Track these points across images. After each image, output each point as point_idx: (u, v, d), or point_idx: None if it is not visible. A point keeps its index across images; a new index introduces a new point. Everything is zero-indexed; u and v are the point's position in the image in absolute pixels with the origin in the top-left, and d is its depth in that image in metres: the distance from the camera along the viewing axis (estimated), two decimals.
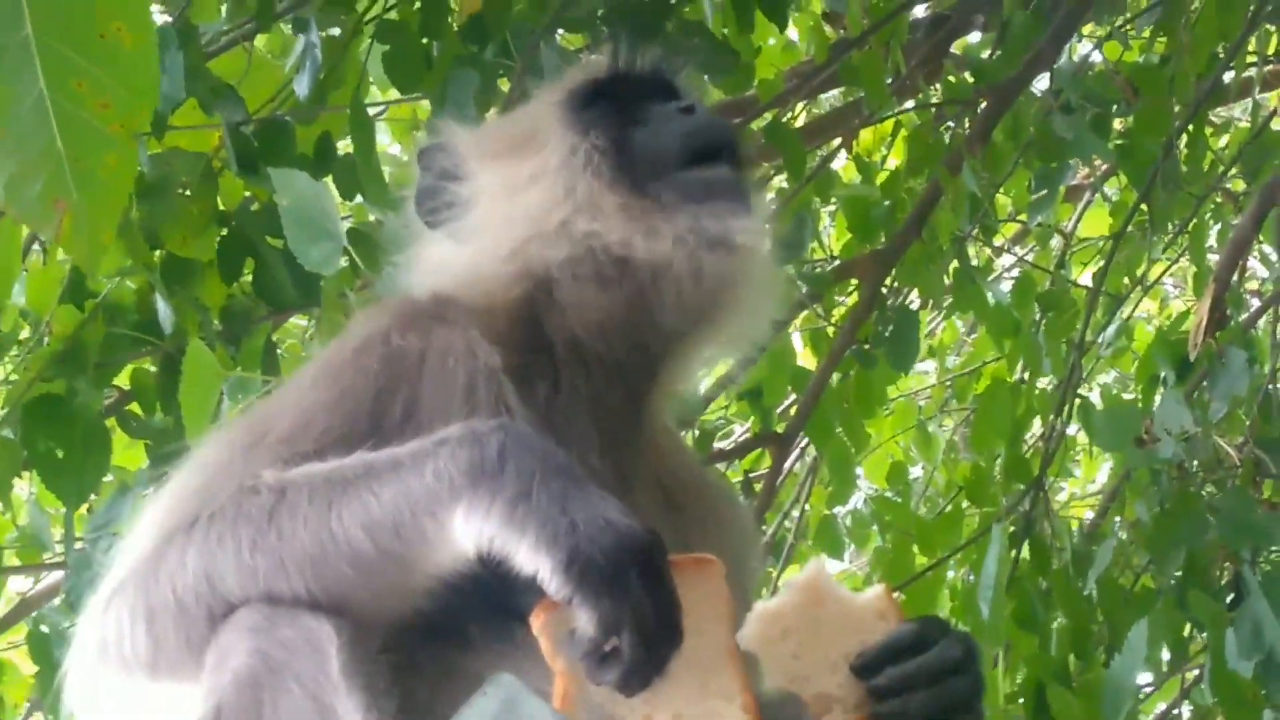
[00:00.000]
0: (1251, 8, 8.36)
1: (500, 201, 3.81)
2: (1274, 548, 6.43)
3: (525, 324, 3.77)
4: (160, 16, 6.50)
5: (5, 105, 3.13)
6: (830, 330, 8.54)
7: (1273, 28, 8.89)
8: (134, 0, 3.08)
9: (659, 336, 3.79)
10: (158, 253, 6.58)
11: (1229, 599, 7.15)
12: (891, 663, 3.23)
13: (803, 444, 9.12)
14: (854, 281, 8.42)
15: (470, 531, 3.12)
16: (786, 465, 9.11)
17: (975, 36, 8.88)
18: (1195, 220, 9.50)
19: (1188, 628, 7.35)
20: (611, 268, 3.70)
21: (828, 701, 3.24)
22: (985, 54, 8.67)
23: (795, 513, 9.93)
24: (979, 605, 6.34)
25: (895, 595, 3.37)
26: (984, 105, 8.35)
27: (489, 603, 3.28)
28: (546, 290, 3.75)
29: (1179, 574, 7.04)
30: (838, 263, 8.69)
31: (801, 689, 3.24)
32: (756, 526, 6.53)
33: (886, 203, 8.42)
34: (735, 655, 3.13)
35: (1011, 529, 7.81)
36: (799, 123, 8.95)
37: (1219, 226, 10.11)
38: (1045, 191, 8.78)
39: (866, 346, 8.13)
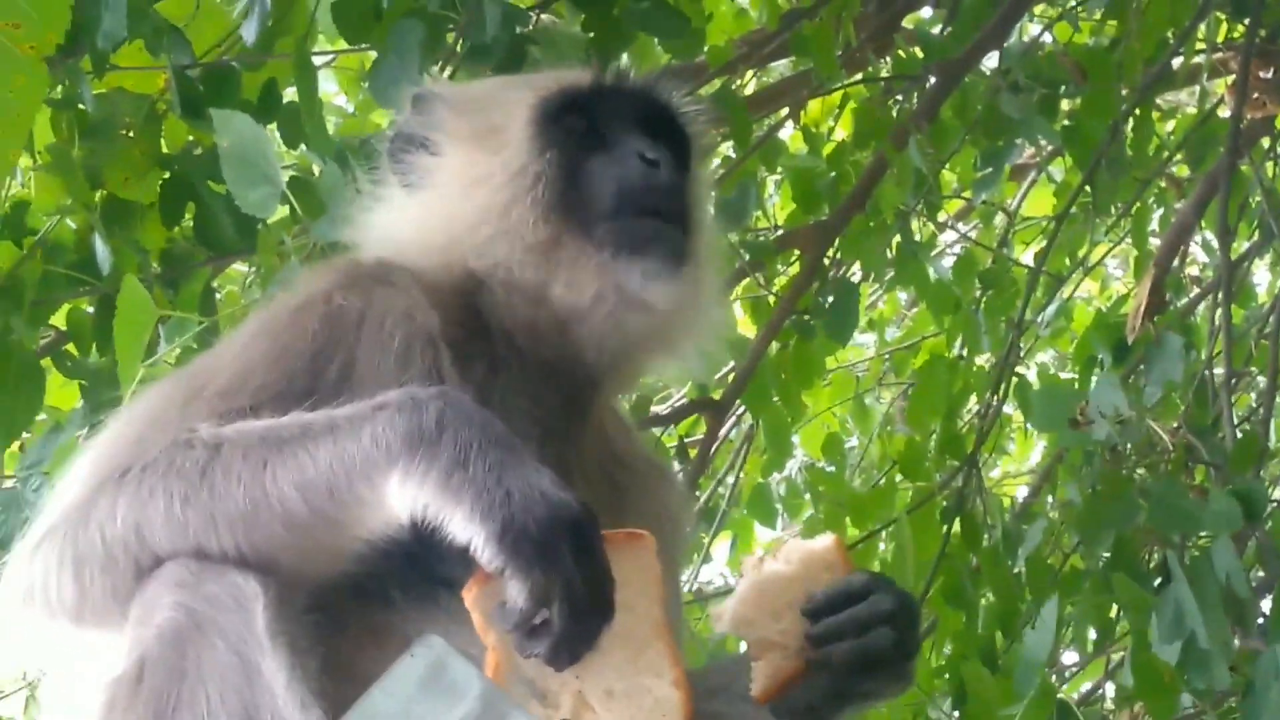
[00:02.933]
0: None
1: (450, 190, 3.82)
2: (1202, 533, 6.43)
3: (465, 303, 3.76)
4: None
5: None
6: (771, 299, 8.51)
7: (1222, 15, 8.88)
8: None
9: (581, 360, 3.78)
10: (98, 193, 6.51)
11: (1156, 583, 7.17)
12: (834, 611, 3.28)
13: (739, 411, 9.11)
14: (796, 252, 8.41)
15: (405, 498, 3.13)
16: (722, 432, 9.12)
17: (927, 12, 8.88)
18: (1138, 204, 9.54)
19: (1114, 609, 7.37)
20: (533, 294, 3.70)
21: (768, 646, 3.30)
22: (936, 30, 8.64)
23: (729, 479, 9.94)
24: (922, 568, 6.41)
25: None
26: (933, 81, 8.36)
27: (416, 567, 3.29)
28: (478, 283, 3.76)
29: (1107, 556, 7.05)
30: (781, 232, 8.69)
31: (745, 634, 3.33)
32: (690, 501, 6.50)
33: (832, 174, 8.45)
34: (666, 631, 3.14)
35: (943, 504, 7.84)
36: (747, 91, 8.92)
37: (1161, 211, 10.18)
38: (990, 169, 8.77)
39: (806, 317, 8.16)
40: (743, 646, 3.55)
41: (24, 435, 6.72)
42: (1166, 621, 5.85)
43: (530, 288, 3.68)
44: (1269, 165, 9.38)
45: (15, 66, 3.22)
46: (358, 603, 3.33)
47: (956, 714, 6.55)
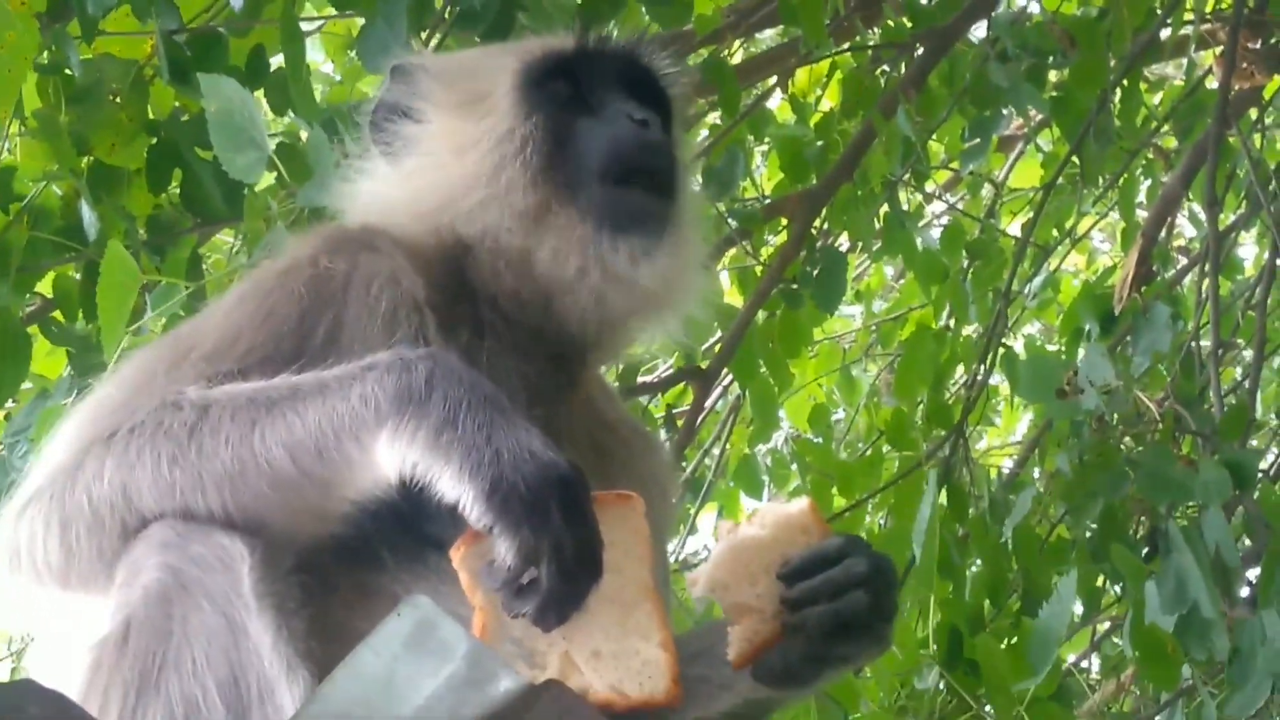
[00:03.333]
0: None
1: (436, 156, 3.82)
2: (1190, 503, 6.43)
3: (451, 269, 3.75)
4: None
5: None
6: (758, 269, 8.51)
7: None
8: None
9: (564, 327, 3.77)
10: (85, 159, 6.51)
11: (1143, 553, 7.18)
12: (809, 576, 3.25)
13: (726, 381, 9.10)
14: (783, 221, 8.41)
15: (394, 456, 3.11)
16: (709, 402, 9.11)
17: None
18: (1126, 175, 9.58)
19: (1101, 579, 7.37)
20: (518, 261, 3.69)
21: (744, 611, 3.27)
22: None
23: (716, 450, 9.93)
24: (911, 548, 6.40)
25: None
26: (921, 50, 8.36)
27: (405, 527, 3.27)
28: (468, 250, 3.75)
29: (1095, 526, 7.06)
30: (768, 201, 8.69)
31: (720, 598, 3.28)
32: (675, 469, 6.51)
33: (819, 143, 8.45)
34: (654, 593, 3.13)
35: (933, 472, 7.84)
36: (735, 59, 8.89)
37: (1149, 183, 10.19)
38: (978, 140, 8.78)
39: (794, 286, 8.13)
40: None
41: (9, 402, 6.72)
42: (1167, 590, 5.86)
43: (516, 255, 3.68)
44: (1256, 136, 9.40)
45: (5, 23, 3.21)
46: (346, 563, 3.32)
47: (941, 685, 6.54)
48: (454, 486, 3.03)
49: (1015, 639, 6.18)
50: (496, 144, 3.73)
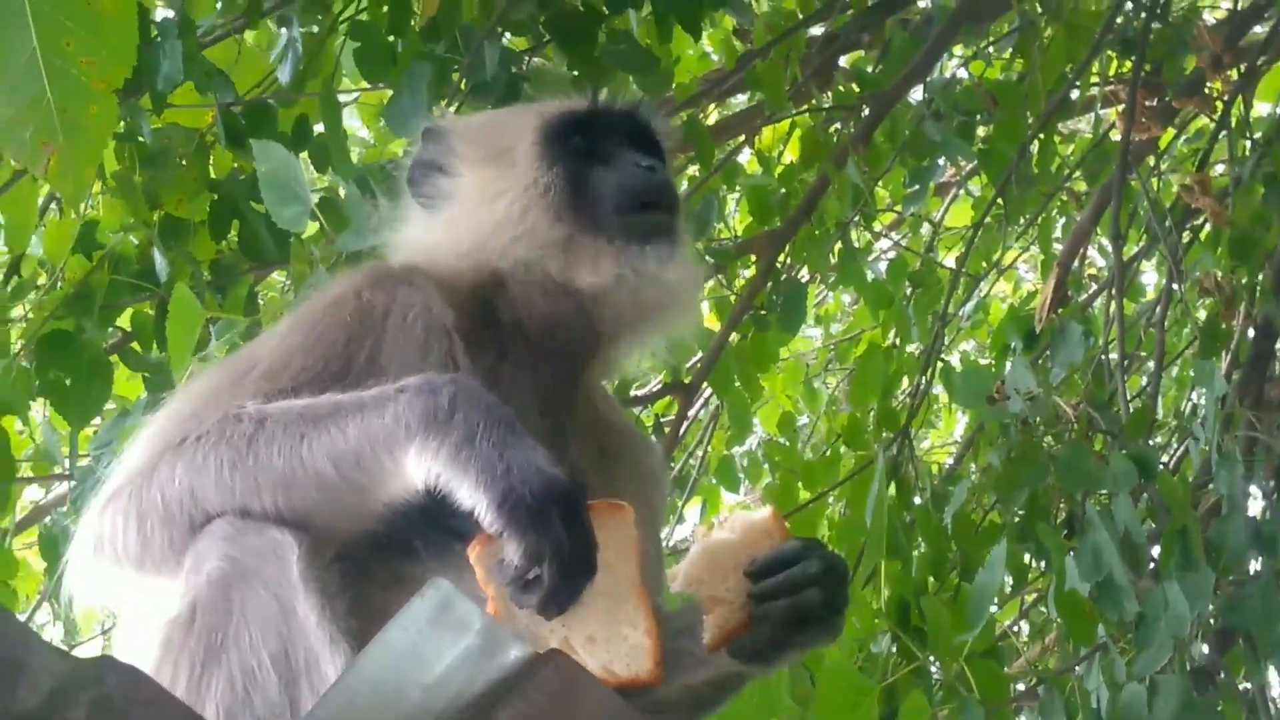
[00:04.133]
0: (1095, 35, 8.36)
1: (471, 204, 3.78)
2: (1102, 491, 6.42)
3: (480, 301, 3.74)
4: (163, 10, 6.44)
5: (2, 60, 3.09)
6: (732, 298, 8.52)
7: (1113, 53, 8.88)
8: None
9: (596, 336, 3.78)
10: (157, 213, 6.56)
11: (1063, 534, 7.19)
12: (771, 574, 3.28)
13: (706, 394, 9.10)
14: (753, 257, 8.42)
15: (420, 468, 3.13)
16: (692, 412, 9.12)
17: (861, 52, 8.85)
18: (1043, 214, 9.60)
19: (1027, 558, 7.36)
20: (554, 286, 3.67)
21: (716, 602, 3.29)
22: (869, 67, 8.63)
23: (699, 452, 9.95)
24: (864, 525, 6.43)
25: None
26: (867, 111, 8.35)
27: (430, 521, 3.27)
28: (500, 285, 3.73)
29: (1021, 511, 7.06)
30: (739, 240, 8.68)
31: (698, 590, 3.30)
32: (666, 466, 6.52)
33: (782, 191, 8.48)
34: (641, 589, 3.15)
35: (883, 470, 7.84)
36: (710, 121, 8.91)
37: (1063, 220, 10.19)
38: (917, 186, 8.81)
39: (762, 312, 8.17)
40: None
41: (95, 420, 6.69)
42: (1086, 562, 5.88)
43: (552, 280, 3.66)
44: (1154, 180, 9.38)
45: (89, 98, 3.20)
46: (380, 553, 3.32)
47: (894, 648, 6.53)
48: (470, 496, 3.05)
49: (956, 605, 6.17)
50: (524, 191, 3.72)
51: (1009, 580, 7.41)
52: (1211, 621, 6.57)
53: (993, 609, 6.72)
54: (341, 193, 6.07)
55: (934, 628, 5.98)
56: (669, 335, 4.01)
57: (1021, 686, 8.04)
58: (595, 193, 3.73)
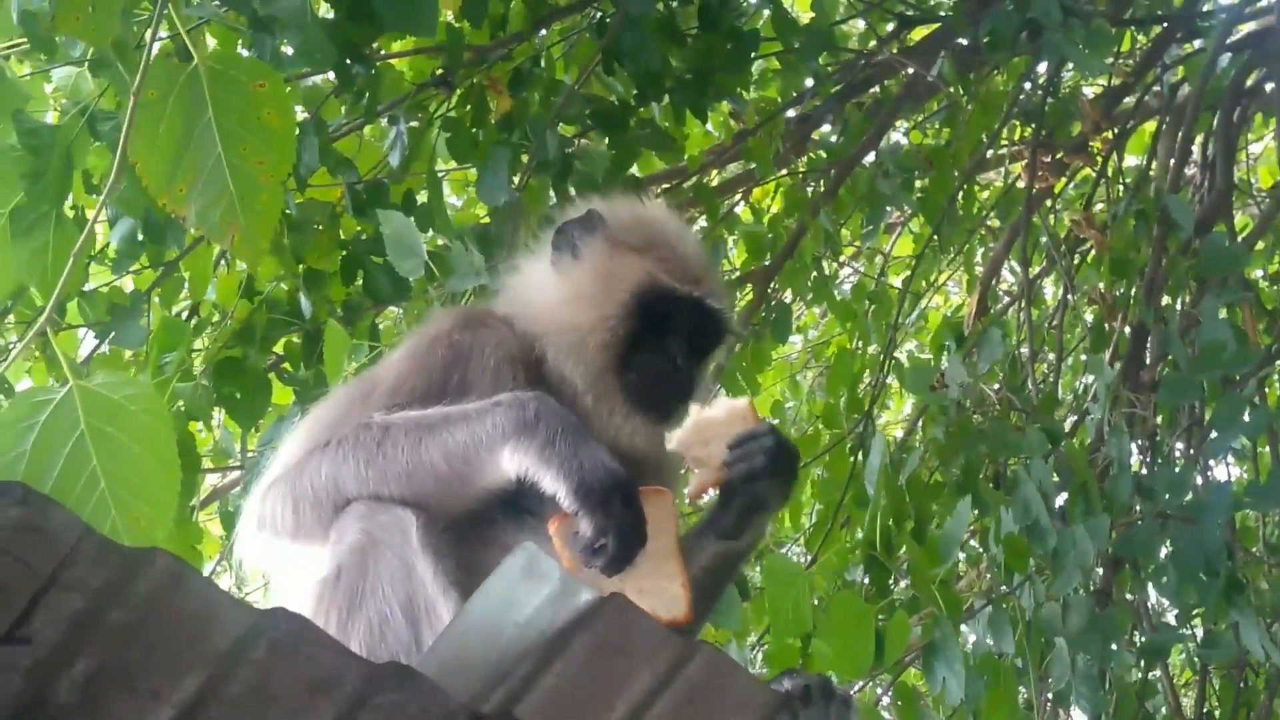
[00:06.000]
0: (1003, 109, 8.35)
1: (570, 295, 3.70)
2: (1021, 455, 6.39)
3: (536, 350, 3.68)
4: (302, 113, 6.45)
5: (196, 163, 3.17)
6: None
7: (1017, 122, 8.86)
8: (279, 95, 3.09)
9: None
10: (301, 266, 6.60)
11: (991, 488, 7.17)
12: (741, 445, 3.40)
13: (715, 389, 9.07)
14: (750, 285, 8.40)
15: (514, 463, 3.18)
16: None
17: (827, 128, 8.83)
18: (968, 245, 9.53)
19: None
20: (570, 387, 3.62)
21: (699, 463, 3.44)
22: (834, 139, 8.61)
23: None
24: (839, 490, 6.40)
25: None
26: (833, 172, 8.32)
27: (509, 501, 3.30)
28: (544, 352, 3.68)
29: (959, 473, 7.04)
30: (738, 273, 8.68)
31: (684, 451, 3.46)
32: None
33: (770, 235, 8.47)
34: (677, 552, 3.19)
35: (850, 444, 7.82)
36: (714, 183, 8.89)
37: (983, 250, 10.12)
38: (871, 227, 8.80)
39: (757, 327, 8.16)
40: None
41: (259, 423, 6.73)
42: (1018, 511, 5.87)
43: (569, 380, 3.63)
44: (1051, 217, 9.35)
45: (261, 189, 3.26)
46: (475, 525, 3.32)
47: (867, 579, 6.51)
48: (552, 484, 3.12)
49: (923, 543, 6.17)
50: (601, 320, 3.63)
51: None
52: (1108, 552, 6.52)
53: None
54: (444, 246, 6.09)
55: (912, 563, 6.01)
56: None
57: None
58: (641, 357, 3.63)
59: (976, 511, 6.69)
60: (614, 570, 3.06)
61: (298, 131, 5.81)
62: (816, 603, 6.10)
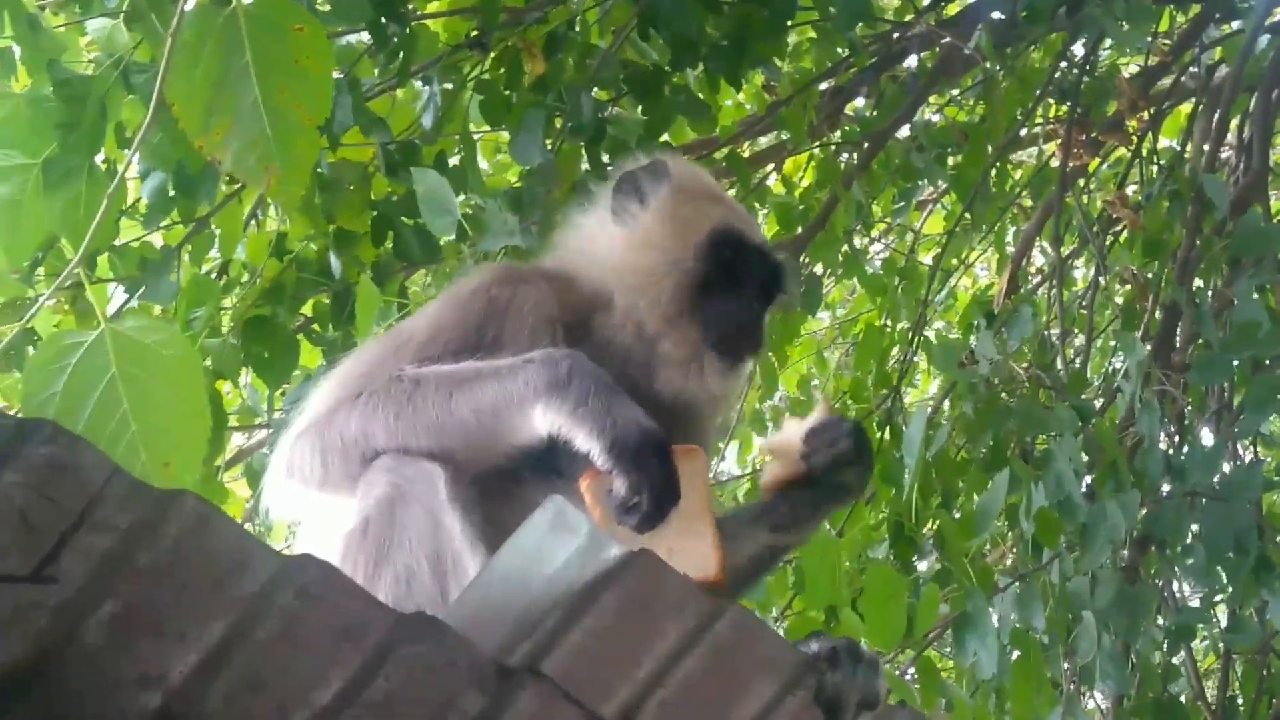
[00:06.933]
0: (1039, 86, 8.29)
1: (639, 243, 3.69)
2: (1050, 433, 6.36)
3: (588, 307, 3.67)
4: (336, 74, 6.43)
5: (233, 106, 3.16)
6: None
7: (1053, 100, 8.81)
8: (317, 39, 3.07)
9: (648, 380, 3.62)
10: (332, 226, 6.57)
11: None
12: (818, 435, 3.38)
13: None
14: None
15: (546, 421, 3.14)
16: None
17: (861, 101, 8.78)
18: (999, 224, 9.48)
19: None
20: (645, 337, 3.61)
21: (777, 452, 3.45)
22: (868, 112, 8.57)
23: (738, 405, 9.91)
24: (890, 465, 6.43)
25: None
26: (866, 145, 8.28)
27: (536, 457, 3.27)
28: (608, 304, 3.65)
29: (986, 450, 7.02)
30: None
31: (770, 451, 3.48)
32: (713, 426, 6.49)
33: (802, 207, 8.42)
34: (708, 509, 3.15)
35: (877, 419, 7.79)
36: (747, 154, 8.85)
37: (1015, 228, 10.08)
38: (904, 203, 8.76)
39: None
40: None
41: (286, 385, 6.74)
42: (1050, 486, 5.83)
43: (646, 329, 3.60)
44: (1084, 197, 9.30)
45: (298, 132, 3.25)
46: (501, 479, 3.31)
47: (892, 554, 6.50)
48: (586, 442, 3.07)
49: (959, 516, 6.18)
50: (676, 262, 3.62)
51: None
52: (1133, 534, 6.50)
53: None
54: (477, 208, 6.07)
55: (948, 536, 6.00)
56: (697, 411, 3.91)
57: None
58: (714, 302, 3.61)
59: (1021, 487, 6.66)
60: (647, 528, 3.02)
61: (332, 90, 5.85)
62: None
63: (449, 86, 6.79)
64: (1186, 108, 9.41)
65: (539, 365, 3.19)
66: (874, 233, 10.18)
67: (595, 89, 6.62)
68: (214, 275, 6.83)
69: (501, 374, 3.23)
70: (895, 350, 8.86)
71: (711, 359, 3.58)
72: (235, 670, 2.19)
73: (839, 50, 7.92)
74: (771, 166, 9.18)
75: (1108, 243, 9.00)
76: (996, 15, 7.68)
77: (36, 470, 2.11)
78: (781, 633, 7.65)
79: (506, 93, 6.59)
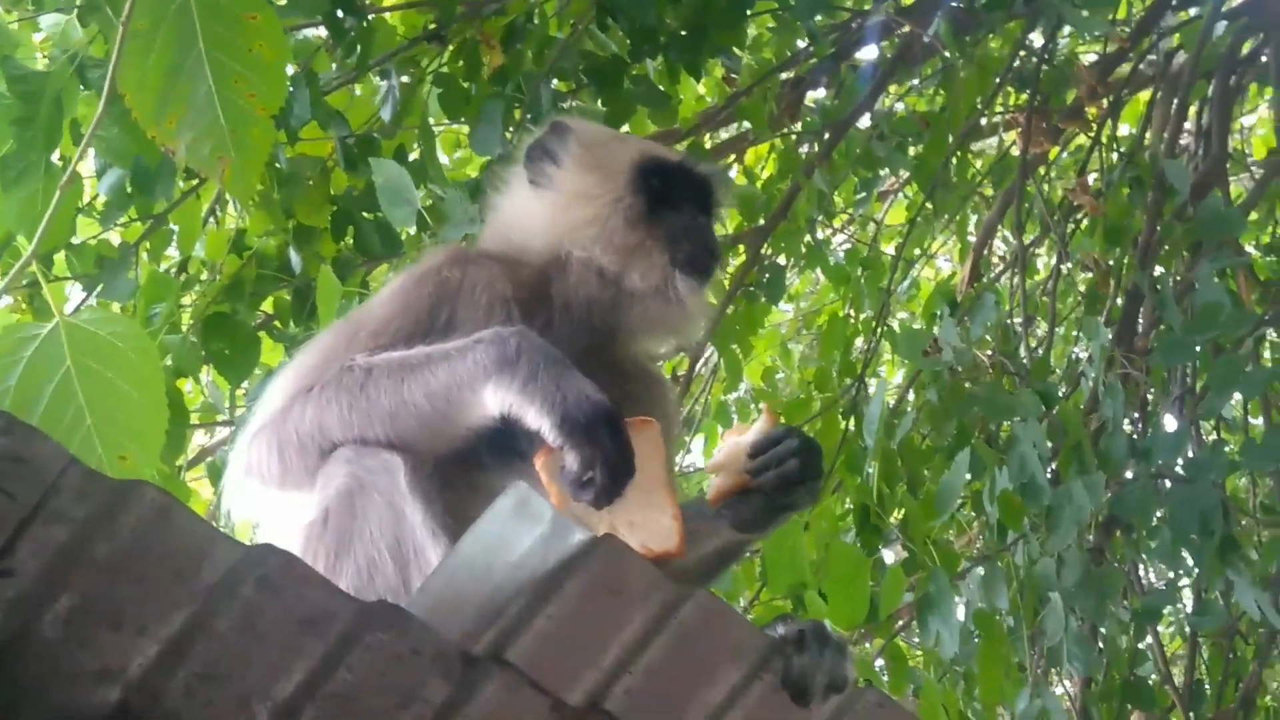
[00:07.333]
0: (998, 74, 8.30)
1: (567, 196, 3.69)
2: (1014, 418, 6.36)
3: (539, 279, 3.64)
4: (291, 68, 6.40)
5: (186, 96, 3.14)
6: (725, 281, 8.47)
7: (1012, 88, 8.83)
8: (271, 27, 3.04)
9: (620, 325, 3.66)
10: (291, 221, 6.56)
11: None
12: (763, 451, 3.31)
13: (709, 353, 9.07)
14: (742, 247, 8.37)
15: (496, 400, 3.10)
16: (697, 367, 9.08)
17: (821, 91, 8.78)
18: (961, 213, 9.49)
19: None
20: (608, 277, 3.59)
21: (719, 467, 3.38)
22: (829, 102, 8.56)
23: (703, 399, 9.91)
24: (831, 450, 6.39)
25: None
26: (827, 135, 8.28)
27: (497, 442, 3.23)
28: (561, 267, 3.63)
29: (951, 436, 7.03)
30: (732, 235, 8.63)
31: (712, 466, 3.40)
32: (678, 405, 6.47)
33: (764, 197, 8.40)
34: (666, 483, 3.11)
35: (842, 408, 7.80)
36: (709, 144, 8.85)
37: (976, 217, 10.10)
38: (865, 193, 8.76)
39: (751, 289, 8.14)
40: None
41: (246, 383, 6.71)
42: (1014, 469, 5.83)
43: (608, 270, 3.58)
44: (1045, 184, 9.32)
45: (253, 122, 3.23)
46: (464, 467, 3.27)
47: (858, 542, 6.49)
48: (536, 419, 3.03)
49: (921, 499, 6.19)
50: (613, 201, 3.63)
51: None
52: (1099, 518, 6.52)
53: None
54: (438, 199, 6.05)
55: (911, 518, 6.00)
56: (672, 339, 3.92)
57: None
58: (665, 225, 3.63)
59: (970, 474, 6.67)
60: (603, 502, 2.99)
61: (289, 84, 5.81)
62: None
63: (407, 80, 6.77)
64: (1145, 94, 9.43)
65: (487, 344, 3.16)
66: (836, 223, 10.18)
67: (555, 80, 6.60)
68: (173, 272, 6.79)
69: (451, 356, 3.21)
70: (859, 340, 8.85)
71: (681, 278, 3.58)
72: (196, 662, 2.17)
73: (798, 40, 7.91)
74: (733, 157, 9.18)
75: (1069, 230, 9.03)
76: (955, 3, 7.69)
77: None
78: (752, 620, 7.66)
79: (465, 85, 6.57)
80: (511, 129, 6.30)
